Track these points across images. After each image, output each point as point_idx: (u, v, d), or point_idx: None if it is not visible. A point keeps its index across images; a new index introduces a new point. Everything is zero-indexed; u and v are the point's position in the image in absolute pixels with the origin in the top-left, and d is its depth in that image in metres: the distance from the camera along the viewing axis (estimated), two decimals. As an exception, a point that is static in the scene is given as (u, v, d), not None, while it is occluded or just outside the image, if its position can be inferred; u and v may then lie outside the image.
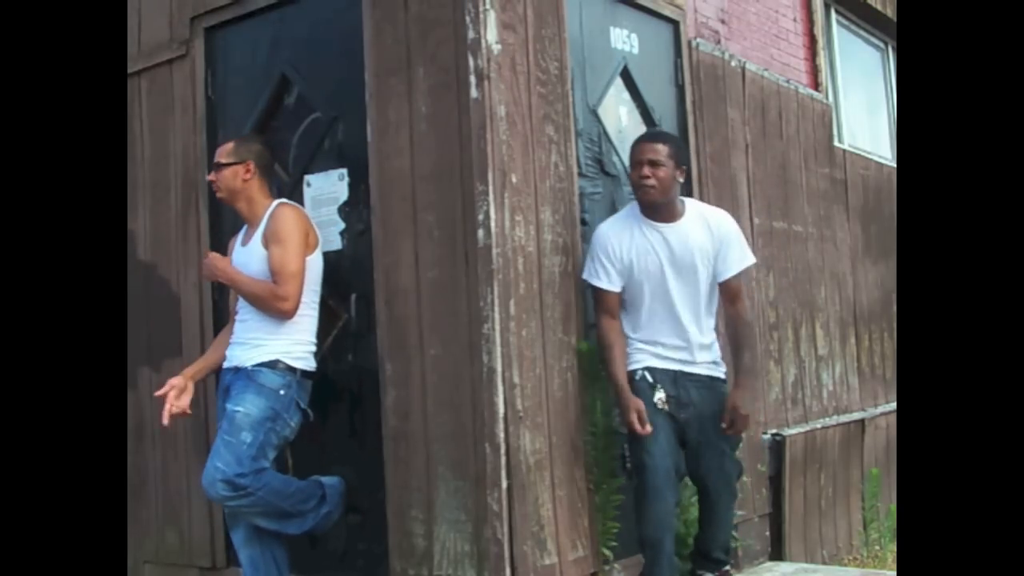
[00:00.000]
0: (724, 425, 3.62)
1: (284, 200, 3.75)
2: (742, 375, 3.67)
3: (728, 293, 3.73)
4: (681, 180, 3.68)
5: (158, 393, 3.62)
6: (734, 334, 3.74)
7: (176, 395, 3.59)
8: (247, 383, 3.51)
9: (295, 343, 3.58)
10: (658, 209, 3.65)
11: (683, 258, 3.65)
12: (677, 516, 3.74)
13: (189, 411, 3.64)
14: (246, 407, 3.46)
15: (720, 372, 3.74)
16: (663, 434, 3.55)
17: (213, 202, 4.19)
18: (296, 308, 3.55)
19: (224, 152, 3.72)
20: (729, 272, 3.70)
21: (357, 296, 3.80)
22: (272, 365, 3.52)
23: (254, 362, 3.53)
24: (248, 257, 3.65)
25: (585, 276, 3.72)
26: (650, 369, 3.63)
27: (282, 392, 3.51)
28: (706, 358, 3.70)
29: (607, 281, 3.66)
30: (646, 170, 3.59)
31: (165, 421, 3.57)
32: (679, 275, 3.65)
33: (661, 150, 3.61)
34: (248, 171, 3.69)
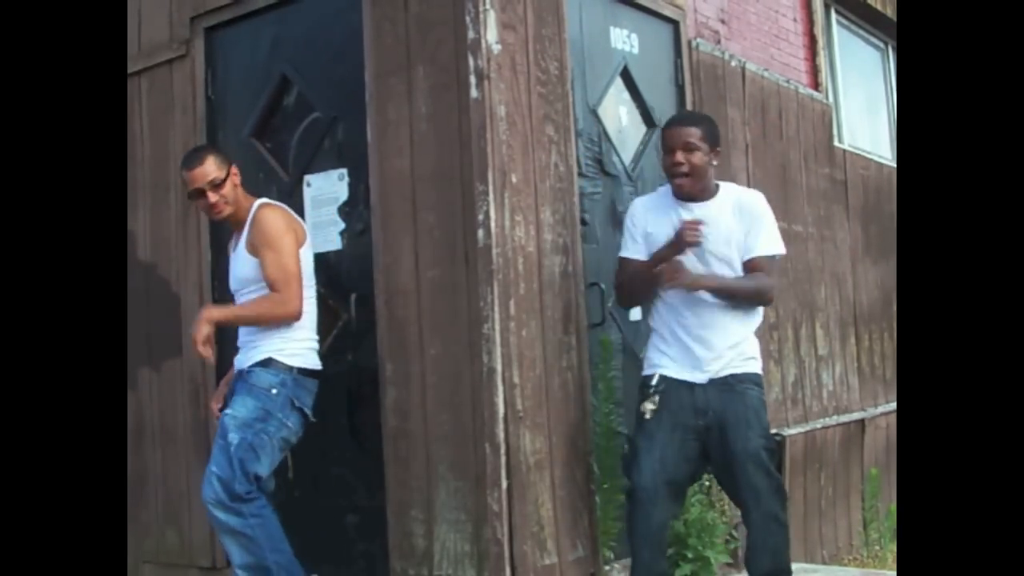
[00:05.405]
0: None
1: (264, 200, 3.64)
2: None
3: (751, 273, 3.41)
4: (716, 163, 3.46)
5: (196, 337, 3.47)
6: None
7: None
8: (242, 385, 3.49)
9: (289, 340, 3.51)
10: (688, 193, 3.45)
11: (710, 239, 3.35)
12: (676, 522, 3.72)
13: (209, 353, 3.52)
14: (235, 409, 3.42)
15: (748, 368, 3.41)
16: (659, 448, 3.35)
17: (213, 202, 4.19)
18: (301, 308, 3.49)
19: (213, 167, 3.52)
20: (752, 252, 3.40)
21: (357, 296, 3.80)
22: (265, 364, 3.47)
23: (249, 363, 3.50)
24: (235, 263, 3.60)
25: (620, 253, 3.56)
26: (665, 377, 3.39)
27: (274, 391, 3.44)
28: (731, 356, 3.39)
29: (630, 249, 3.49)
30: (679, 156, 3.37)
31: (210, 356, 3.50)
32: (703, 260, 3.38)
33: (694, 133, 3.39)
34: (237, 175, 3.61)
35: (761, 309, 3.54)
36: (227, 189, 3.55)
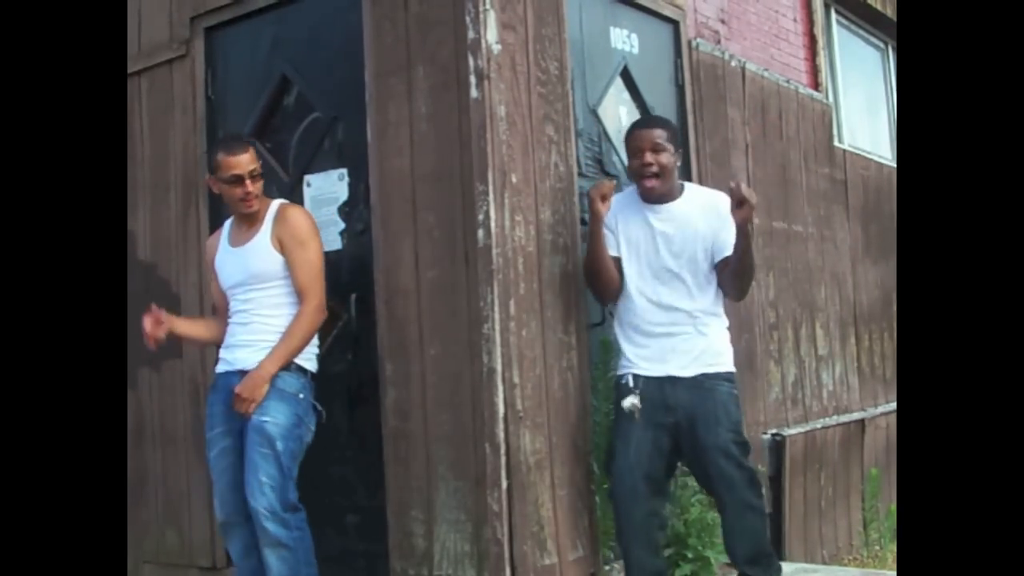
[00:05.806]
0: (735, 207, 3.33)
1: (284, 200, 3.64)
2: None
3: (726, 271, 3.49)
4: (678, 164, 3.55)
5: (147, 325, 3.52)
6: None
7: (155, 324, 3.52)
8: (269, 389, 3.39)
9: None
10: (658, 195, 3.52)
11: (679, 240, 3.48)
12: (671, 515, 3.72)
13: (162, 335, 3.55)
14: (273, 416, 3.36)
15: (718, 366, 3.49)
16: (633, 445, 3.43)
17: (213, 202, 4.19)
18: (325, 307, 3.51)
19: (252, 157, 3.50)
20: (727, 251, 3.45)
21: (357, 296, 3.80)
22: (287, 368, 3.42)
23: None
24: (247, 257, 3.51)
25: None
26: (635, 376, 3.48)
27: (301, 396, 3.43)
28: (700, 349, 3.47)
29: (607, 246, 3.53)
30: (648, 157, 3.45)
31: (152, 345, 3.56)
32: (674, 259, 3.48)
33: (661, 134, 3.49)
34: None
35: (723, 311, 3.59)
36: (260, 184, 3.53)
